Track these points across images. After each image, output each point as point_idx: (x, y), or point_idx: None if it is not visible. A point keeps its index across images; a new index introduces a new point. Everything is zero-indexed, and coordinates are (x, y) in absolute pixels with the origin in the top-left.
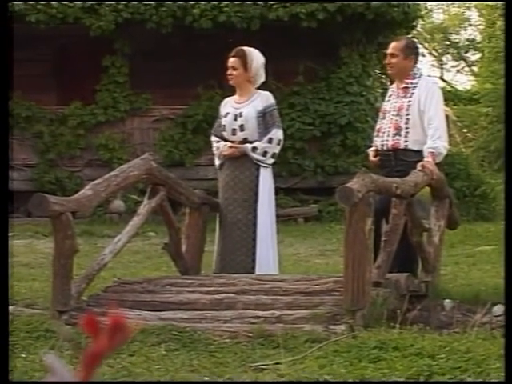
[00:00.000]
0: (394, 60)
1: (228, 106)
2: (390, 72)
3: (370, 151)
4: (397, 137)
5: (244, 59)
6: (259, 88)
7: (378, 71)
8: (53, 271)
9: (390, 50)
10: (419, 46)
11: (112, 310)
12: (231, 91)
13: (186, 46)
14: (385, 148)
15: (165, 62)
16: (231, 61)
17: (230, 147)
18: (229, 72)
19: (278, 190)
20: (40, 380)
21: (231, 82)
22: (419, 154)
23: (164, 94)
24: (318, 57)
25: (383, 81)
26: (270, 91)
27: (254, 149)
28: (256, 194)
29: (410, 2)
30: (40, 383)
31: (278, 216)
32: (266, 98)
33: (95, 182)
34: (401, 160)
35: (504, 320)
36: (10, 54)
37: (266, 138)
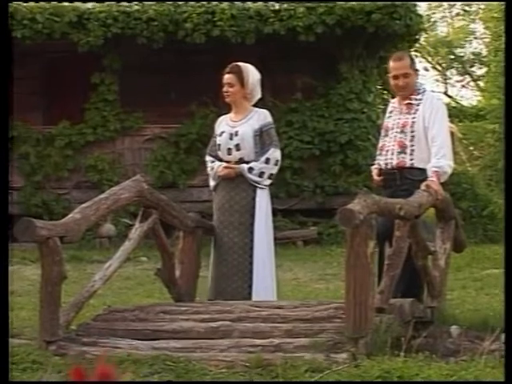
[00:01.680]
0: (408, 80)
1: (223, 124)
2: (403, 93)
3: (373, 170)
4: (402, 155)
5: (240, 75)
6: (255, 105)
7: (379, 87)
8: (40, 299)
9: (401, 71)
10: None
11: (99, 364)
12: (226, 109)
13: (178, 62)
14: (389, 167)
15: (156, 78)
16: (227, 77)
17: (225, 167)
18: (225, 89)
19: (275, 212)
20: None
21: (227, 100)
22: (425, 172)
23: (156, 112)
24: (317, 72)
25: (385, 97)
26: (266, 108)
27: (251, 169)
28: (253, 216)
29: (412, 15)
30: (40, 383)
31: (275, 239)
32: (263, 116)
33: (84, 205)
34: (406, 178)
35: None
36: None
37: (262, 159)
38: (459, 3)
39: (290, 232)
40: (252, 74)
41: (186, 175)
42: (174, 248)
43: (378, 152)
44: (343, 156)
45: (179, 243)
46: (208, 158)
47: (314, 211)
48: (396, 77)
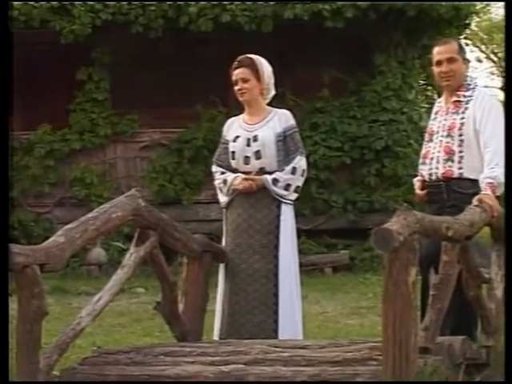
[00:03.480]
0: (453, 66)
1: (236, 127)
2: (448, 83)
3: (416, 182)
4: (449, 163)
5: (254, 67)
6: (270, 104)
7: (422, 82)
8: (16, 339)
9: (445, 55)
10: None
11: None
12: (238, 109)
13: (180, 54)
14: (434, 178)
15: (155, 74)
16: (239, 72)
17: (245, 179)
18: (239, 86)
19: (299, 233)
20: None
21: (243, 98)
22: (477, 183)
23: (154, 114)
24: (347, 65)
25: (429, 94)
26: (287, 109)
27: (276, 181)
28: (277, 237)
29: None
30: (40, 383)
31: (299, 265)
32: (285, 118)
33: (69, 226)
34: (455, 192)
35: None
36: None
37: (288, 168)
38: None
39: (317, 257)
40: (265, 65)
41: (191, 189)
42: (177, 277)
43: (420, 160)
44: (379, 165)
45: (183, 271)
46: (216, 169)
47: (344, 231)
48: (439, 62)
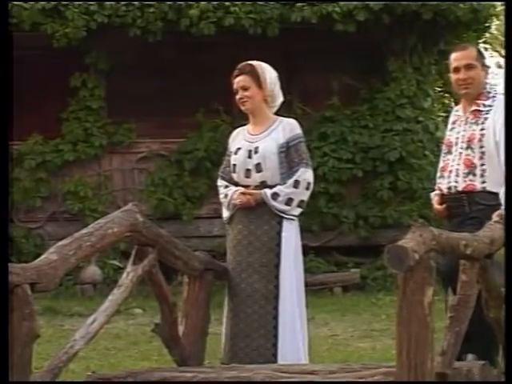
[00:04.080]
0: (472, 73)
1: (239, 138)
2: (466, 91)
3: (433, 196)
4: (470, 177)
5: (255, 74)
6: (278, 113)
7: (438, 89)
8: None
9: (463, 61)
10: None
11: None
12: (242, 118)
13: (181, 59)
14: (453, 191)
15: (153, 80)
16: (239, 80)
17: (243, 194)
18: (239, 95)
19: (306, 250)
20: None
21: (245, 108)
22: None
23: (153, 123)
24: (359, 71)
25: (446, 101)
26: (293, 117)
27: (276, 195)
28: (278, 255)
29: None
30: (41, 383)
31: (306, 284)
32: (289, 128)
33: (62, 242)
34: (477, 204)
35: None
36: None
37: (290, 181)
38: None
39: (326, 276)
40: (268, 71)
41: (192, 203)
42: (177, 297)
43: (438, 173)
44: (393, 178)
45: (183, 291)
46: (221, 183)
47: (355, 249)
48: (457, 69)
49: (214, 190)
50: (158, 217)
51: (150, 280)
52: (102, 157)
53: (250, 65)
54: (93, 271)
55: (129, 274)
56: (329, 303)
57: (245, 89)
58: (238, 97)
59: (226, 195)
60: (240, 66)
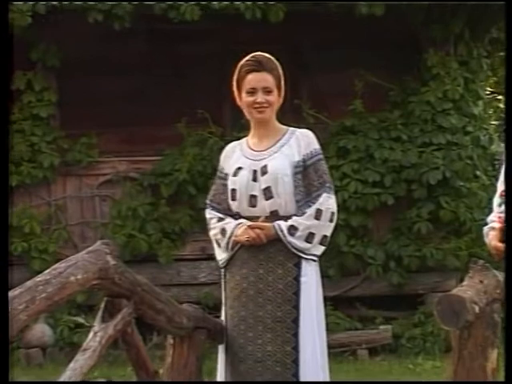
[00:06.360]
0: None
1: (237, 156)
2: None
3: (489, 230)
4: None
5: (277, 74)
6: (282, 121)
7: (491, 90)
8: None
9: None
10: None
11: None
12: (236, 129)
13: (156, 53)
14: None
15: (120, 81)
16: (261, 78)
17: (251, 228)
18: (260, 98)
19: (323, 301)
20: None
21: (262, 116)
22: None
23: (119, 136)
24: (387, 67)
25: (500, 105)
26: (306, 127)
27: (293, 229)
28: (297, 307)
29: None
30: (42, 383)
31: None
32: (305, 142)
33: (9, 294)
34: None
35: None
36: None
37: (311, 211)
38: None
39: (347, 334)
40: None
41: (171, 241)
42: (156, 363)
43: (496, 200)
44: (434, 206)
45: (167, 355)
46: (211, 214)
47: (385, 299)
48: None
49: (200, 223)
50: (127, 259)
51: (124, 342)
52: (54, 181)
53: (271, 60)
54: (41, 331)
55: (96, 335)
56: (351, 370)
57: (268, 91)
58: (254, 99)
59: (222, 230)
60: (258, 57)
